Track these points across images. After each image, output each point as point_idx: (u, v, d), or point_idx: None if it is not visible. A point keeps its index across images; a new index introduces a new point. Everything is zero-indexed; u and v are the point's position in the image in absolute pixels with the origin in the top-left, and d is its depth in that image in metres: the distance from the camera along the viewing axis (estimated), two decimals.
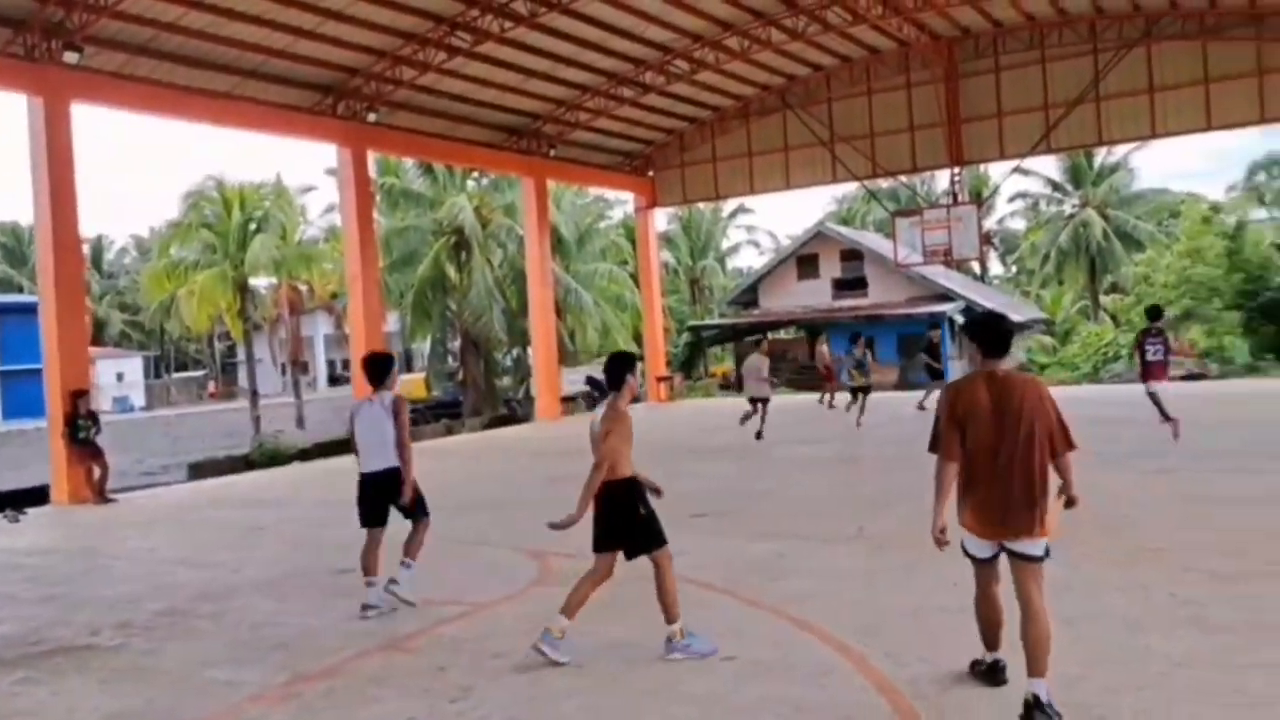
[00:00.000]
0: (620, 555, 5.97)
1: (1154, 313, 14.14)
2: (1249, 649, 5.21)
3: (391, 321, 39.69)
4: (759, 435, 16.35)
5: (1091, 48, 22.58)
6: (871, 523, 9.21)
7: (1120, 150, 45.33)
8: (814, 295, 38.86)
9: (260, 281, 40.15)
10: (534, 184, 24.31)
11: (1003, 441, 4.63)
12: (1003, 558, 4.79)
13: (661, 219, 55.78)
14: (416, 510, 7.44)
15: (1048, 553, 4.70)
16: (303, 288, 39.22)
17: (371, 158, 33.25)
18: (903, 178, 32.30)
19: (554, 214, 34.18)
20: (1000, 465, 4.63)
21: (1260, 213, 40.16)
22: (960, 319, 34.99)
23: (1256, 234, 36.64)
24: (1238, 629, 5.53)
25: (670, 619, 5.79)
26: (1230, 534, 7.83)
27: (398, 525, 7.42)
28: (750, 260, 56.54)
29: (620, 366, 6.01)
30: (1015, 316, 37.65)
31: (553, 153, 24.42)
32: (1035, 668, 4.47)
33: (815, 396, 24.24)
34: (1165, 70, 22.01)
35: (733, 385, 38.79)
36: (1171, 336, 20.03)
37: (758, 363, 17.19)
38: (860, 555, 8.01)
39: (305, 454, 22.88)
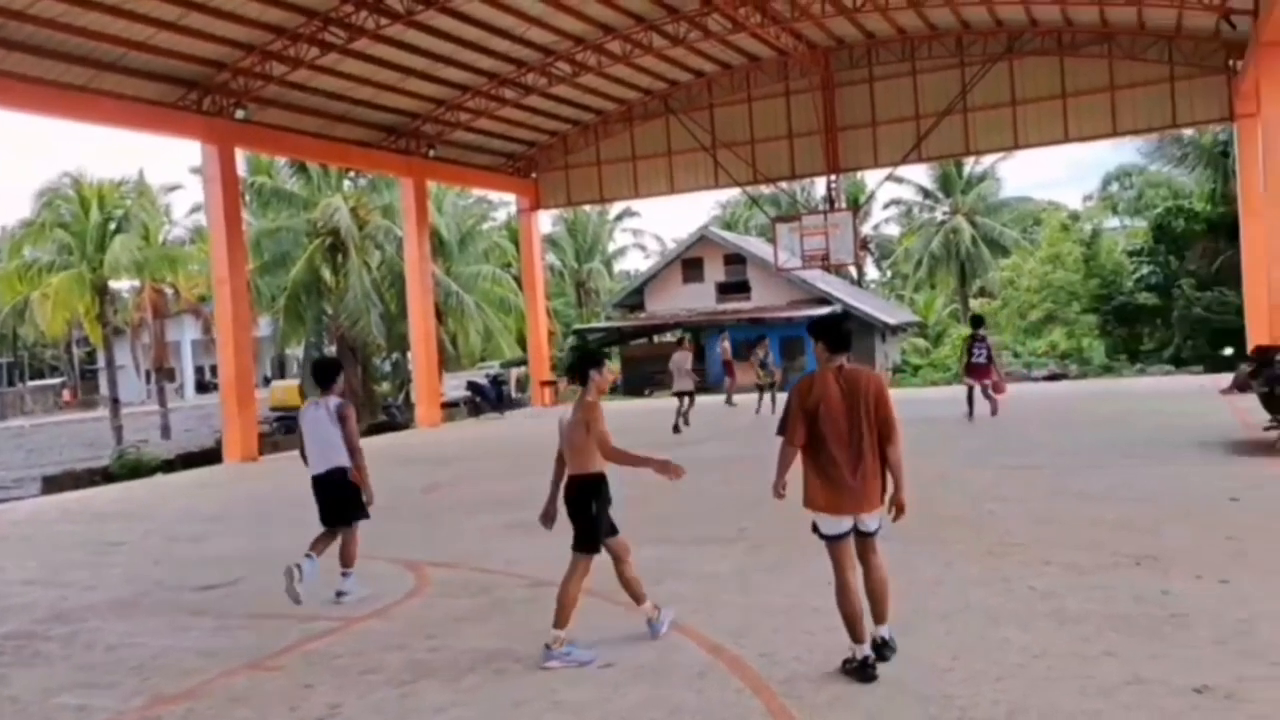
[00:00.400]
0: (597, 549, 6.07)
1: (977, 321, 15.68)
2: (1100, 637, 5.43)
3: (264, 325, 38.41)
4: (676, 429, 17.60)
5: (959, 61, 23.48)
6: (752, 523, 9.30)
7: (987, 160, 47.32)
8: (699, 298, 39.27)
9: (122, 284, 38.29)
10: (413, 184, 23.85)
11: (853, 427, 5.12)
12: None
13: (546, 221, 55.67)
14: (356, 510, 7.70)
15: (880, 527, 5.35)
16: (168, 290, 37.54)
17: (241, 156, 32.26)
18: (783, 184, 33.00)
19: (434, 215, 33.66)
20: (853, 448, 5.12)
21: (1113, 221, 42.46)
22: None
23: (1110, 242, 38.73)
24: (1091, 619, 5.77)
25: (639, 600, 6.14)
26: (1085, 527, 8.18)
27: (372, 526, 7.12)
28: (637, 263, 56.79)
29: (585, 363, 5.98)
30: (889, 319, 38.84)
31: (432, 153, 24.01)
32: (880, 616, 5.30)
33: (711, 397, 24.57)
34: (1026, 84, 23.05)
35: (618, 389, 38.91)
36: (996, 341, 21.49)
37: (682, 359, 18.59)
38: (738, 556, 8.08)
39: (169, 465, 21.88)
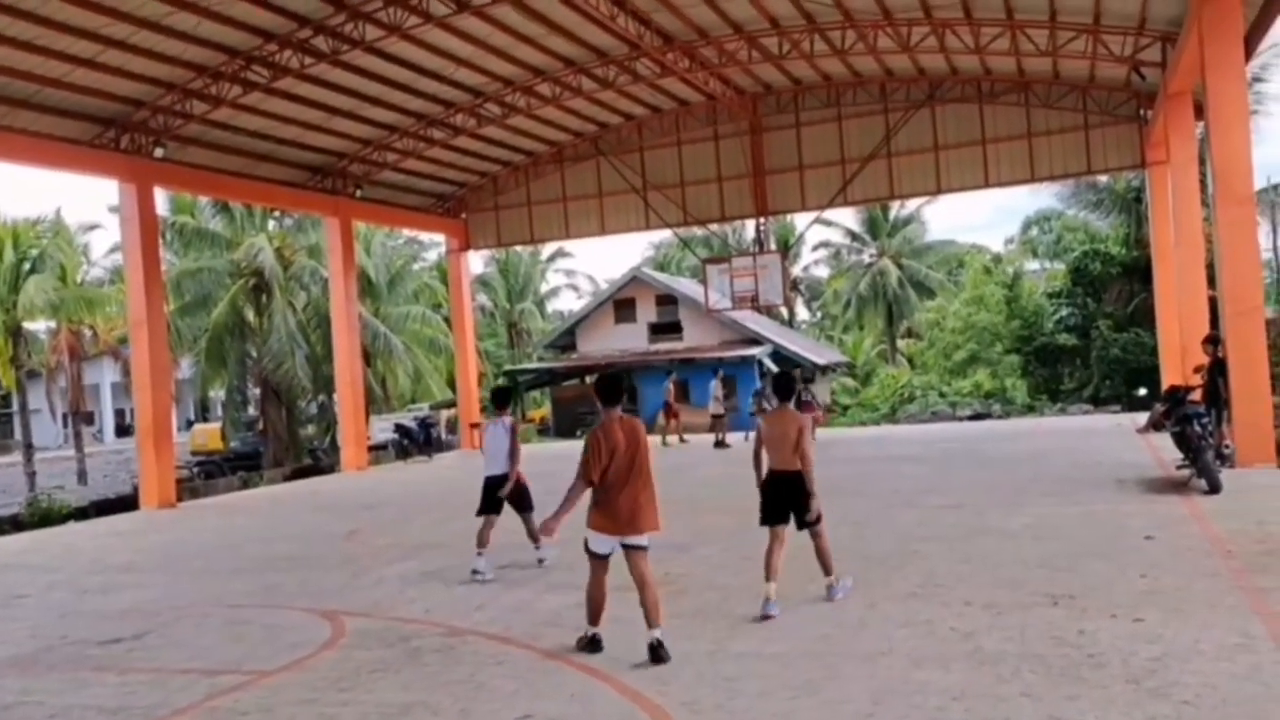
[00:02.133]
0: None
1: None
2: (1018, 678, 5.44)
3: (185, 368, 37.44)
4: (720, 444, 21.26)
5: (883, 107, 24.02)
6: (675, 566, 9.20)
7: (913, 204, 48.44)
8: (631, 339, 39.30)
9: (38, 326, 37.08)
10: (339, 224, 23.52)
11: (633, 464, 6.36)
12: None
13: (478, 262, 55.48)
14: (525, 504, 9.75)
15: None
16: (86, 332, 36.44)
17: (164, 196, 31.60)
18: (714, 226, 33.30)
19: (363, 256, 33.28)
20: (633, 481, 6.36)
21: (1034, 264, 43.65)
22: (769, 362, 36.17)
23: (1031, 284, 39.78)
24: (1009, 659, 5.78)
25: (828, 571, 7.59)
26: (1005, 566, 8.25)
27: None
28: (570, 304, 56.66)
29: (789, 383, 7.83)
30: (819, 359, 39.28)
31: (359, 193, 23.73)
32: (653, 621, 6.36)
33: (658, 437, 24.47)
34: (948, 130, 23.65)
35: (549, 430, 38.64)
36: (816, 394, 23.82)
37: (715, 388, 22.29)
38: (663, 601, 7.94)
39: (82, 512, 21.04)
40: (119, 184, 18.63)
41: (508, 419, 9.89)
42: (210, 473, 29.63)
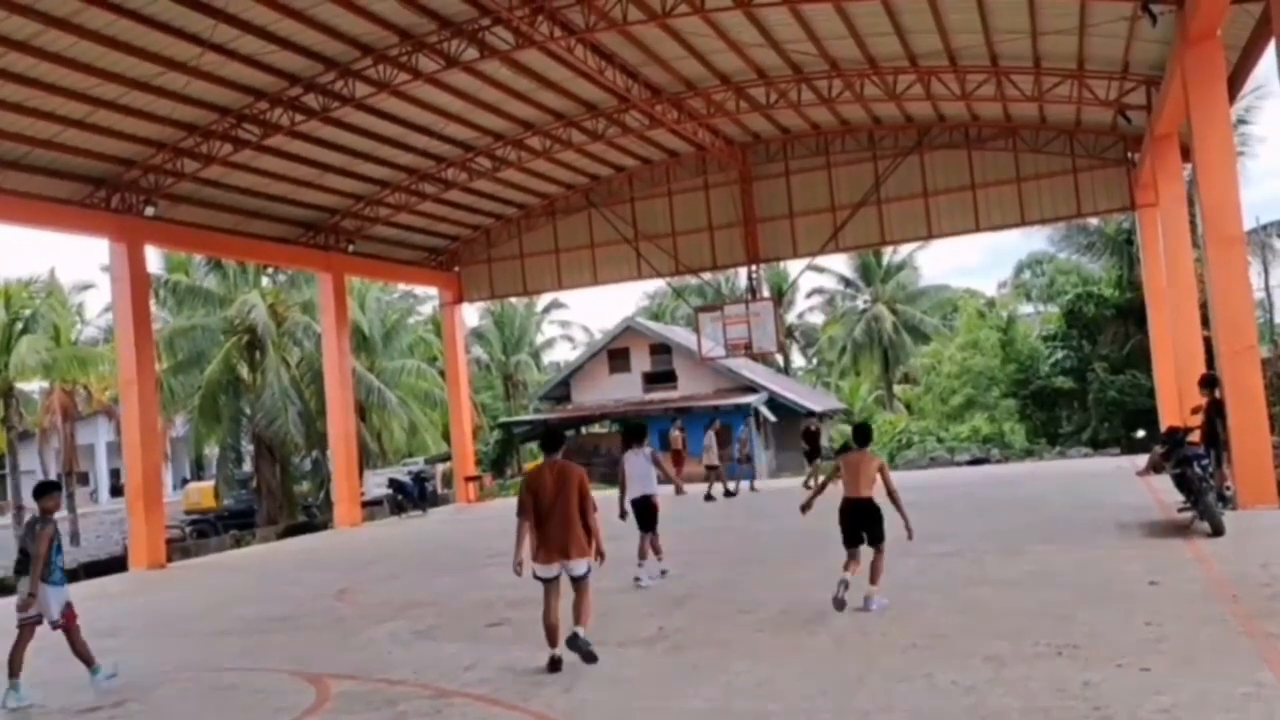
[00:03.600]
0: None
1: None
2: None
3: (180, 425, 37.19)
4: (729, 493, 21.19)
5: (872, 155, 24.16)
6: (670, 621, 9.01)
7: (905, 249, 48.59)
8: (625, 389, 39.18)
9: (31, 386, 36.89)
10: (332, 280, 23.50)
11: (557, 502, 7.53)
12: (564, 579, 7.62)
13: (474, 315, 55.52)
14: (649, 524, 11.39)
15: (589, 571, 7.69)
16: (80, 392, 36.24)
17: (158, 254, 31.63)
18: (707, 275, 33.33)
19: (356, 311, 33.27)
20: (558, 517, 7.52)
21: (1027, 307, 43.71)
22: (764, 409, 36.03)
23: (1025, 327, 39.80)
24: (1012, 714, 5.60)
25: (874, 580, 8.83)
26: (1006, 616, 8.06)
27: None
28: (565, 355, 56.54)
29: (866, 431, 9.44)
30: (815, 406, 39.16)
31: (352, 248, 23.76)
32: (579, 621, 7.60)
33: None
34: (937, 176, 23.75)
35: None
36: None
37: (710, 439, 21.71)
38: (656, 657, 7.76)
39: (71, 574, 20.61)
40: (109, 243, 18.62)
41: (647, 449, 11.67)
42: (203, 531, 29.31)
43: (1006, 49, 18.17)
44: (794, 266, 40.98)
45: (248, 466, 32.51)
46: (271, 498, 29.46)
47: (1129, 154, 21.94)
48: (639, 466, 11.45)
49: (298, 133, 18.54)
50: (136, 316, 18.50)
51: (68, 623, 8.29)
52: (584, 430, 41.75)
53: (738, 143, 24.49)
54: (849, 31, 17.71)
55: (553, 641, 7.53)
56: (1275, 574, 8.67)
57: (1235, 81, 14.57)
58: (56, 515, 8.78)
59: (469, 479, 27.19)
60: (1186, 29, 12.82)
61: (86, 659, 8.37)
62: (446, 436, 31.82)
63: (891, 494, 8.79)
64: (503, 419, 43.83)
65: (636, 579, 10.98)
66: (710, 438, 22.23)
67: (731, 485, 22.11)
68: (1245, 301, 12.73)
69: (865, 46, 18.48)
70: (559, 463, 7.74)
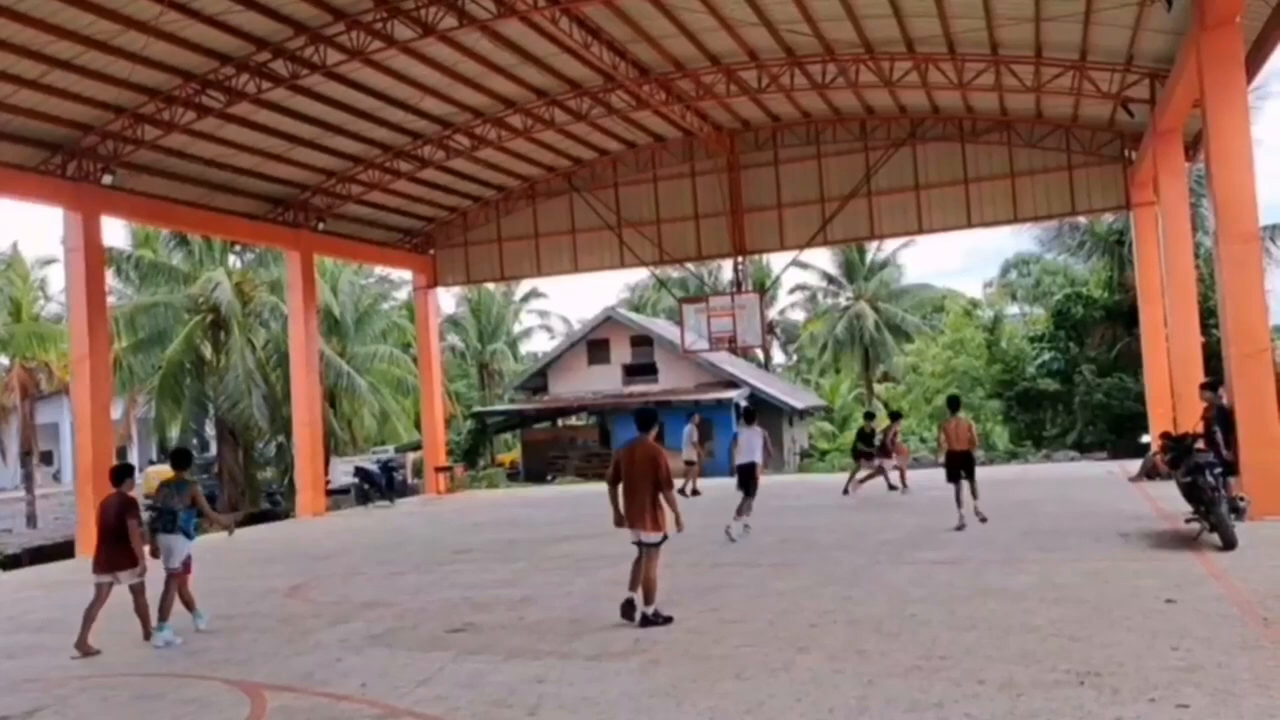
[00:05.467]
0: None
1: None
2: None
3: (146, 407, 36.02)
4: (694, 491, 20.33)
5: (863, 146, 23.50)
6: (646, 631, 8.26)
7: (889, 247, 48.06)
8: (605, 381, 38.37)
9: None
10: (300, 258, 22.57)
11: (634, 478, 8.46)
12: None
13: (450, 301, 54.52)
14: (752, 490, 13.79)
15: (660, 541, 8.47)
16: (41, 369, 35.03)
17: (126, 229, 30.54)
18: (691, 266, 32.58)
19: (327, 294, 32.29)
20: (633, 491, 8.45)
21: (1013, 308, 43.20)
22: (744, 404, 35.30)
23: (1011, 328, 39.27)
24: None
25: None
26: (1015, 635, 7.36)
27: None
28: (543, 345, 55.55)
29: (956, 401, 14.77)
30: (796, 403, 38.53)
31: (321, 226, 22.83)
32: (632, 586, 8.49)
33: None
34: (930, 170, 23.13)
35: (519, 474, 37.53)
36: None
37: (690, 431, 21.51)
38: (631, 675, 7.00)
39: (15, 560, 19.73)
40: (64, 212, 17.67)
41: (760, 430, 14.32)
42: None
43: (1008, 36, 17.53)
44: (777, 262, 40.30)
45: (211, 451, 31.46)
46: (234, 484, 28.44)
47: (1126, 151, 21.40)
48: (751, 441, 14.00)
49: (265, 101, 17.66)
50: (90, 290, 17.57)
51: (182, 572, 9.49)
52: (560, 422, 40.97)
53: (726, 129, 23.76)
54: (846, 13, 17.00)
55: (631, 587, 8.52)
56: None
57: (1248, 72, 13.92)
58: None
59: (439, 469, 26.35)
60: (1204, 14, 12.19)
61: (188, 604, 9.52)
62: (419, 425, 30.98)
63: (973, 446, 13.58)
64: (477, 409, 42.91)
65: (727, 529, 13.37)
66: (692, 432, 21.51)
67: (694, 486, 21.32)
68: (1258, 302, 12.09)
69: (862, 29, 17.79)
70: (645, 443, 8.61)
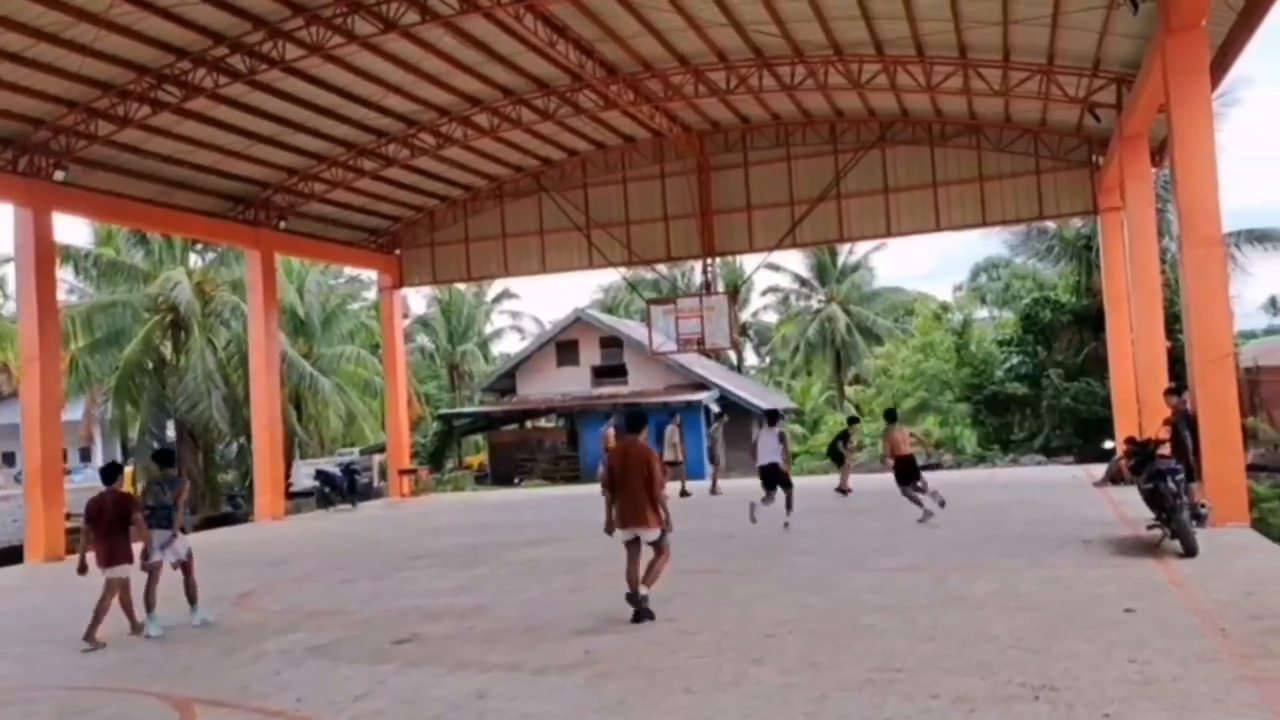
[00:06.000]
0: None
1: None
2: None
3: (109, 408, 35.31)
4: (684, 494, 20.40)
5: (833, 148, 23.42)
6: (599, 642, 8.04)
7: (860, 250, 48.18)
8: (574, 382, 38.09)
9: None
10: (260, 257, 22.14)
11: (627, 478, 8.70)
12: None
13: (420, 302, 54.07)
14: (787, 482, 14.52)
15: (661, 537, 8.75)
16: (1, 370, 34.31)
17: (89, 227, 29.91)
18: (662, 268, 32.38)
19: (292, 293, 31.83)
20: (627, 491, 8.70)
21: (983, 312, 43.32)
22: (715, 407, 35.16)
23: (980, 332, 39.36)
24: None
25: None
26: (972, 645, 7.20)
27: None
28: (514, 346, 55.18)
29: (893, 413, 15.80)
30: (766, 405, 38.35)
31: (283, 225, 22.42)
32: (648, 582, 8.67)
33: (586, 488, 23.76)
34: (899, 173, 23.07)
35: (487, 476, 37.18)
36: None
37: (672, 432, 21.37)
38: (577, 689, 6.77)
39: None
40: (14, 208, 17.22)
41: (778, 429, 15.04)
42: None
43: (976, 39, 17.47)
44: (750, 264, 40.24)
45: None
46: (193, 486, 27.88)
47: (1093, 157, 21.42)
48: (769, 443, 14.71)
49: (223, 97, 17.29)
50: (41, 290, 17.12)
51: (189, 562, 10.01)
52: (529, 424, 40.67)
53: (696, 130, 23.59)
54: (815, 14, 16.87)
55: (632, 587, 8.61)
56: (1262, 603, 7.90)
57: (1212, 77, 13.89)
58: None
59: (404, 472, 26.00)
60: (1169, 17, 12.11)
61: (150, 604, 9.63)
62: (386, 427, 30.57)
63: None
64: (443, 410, 42.51)
65: (786, 524, 14.24)
66: (673, 432, 21.35)
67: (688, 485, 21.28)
68: (1221, 308, 12.03)
69: (831, 31, 17.67)
70: (636, 444, 8.88)
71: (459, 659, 7.79)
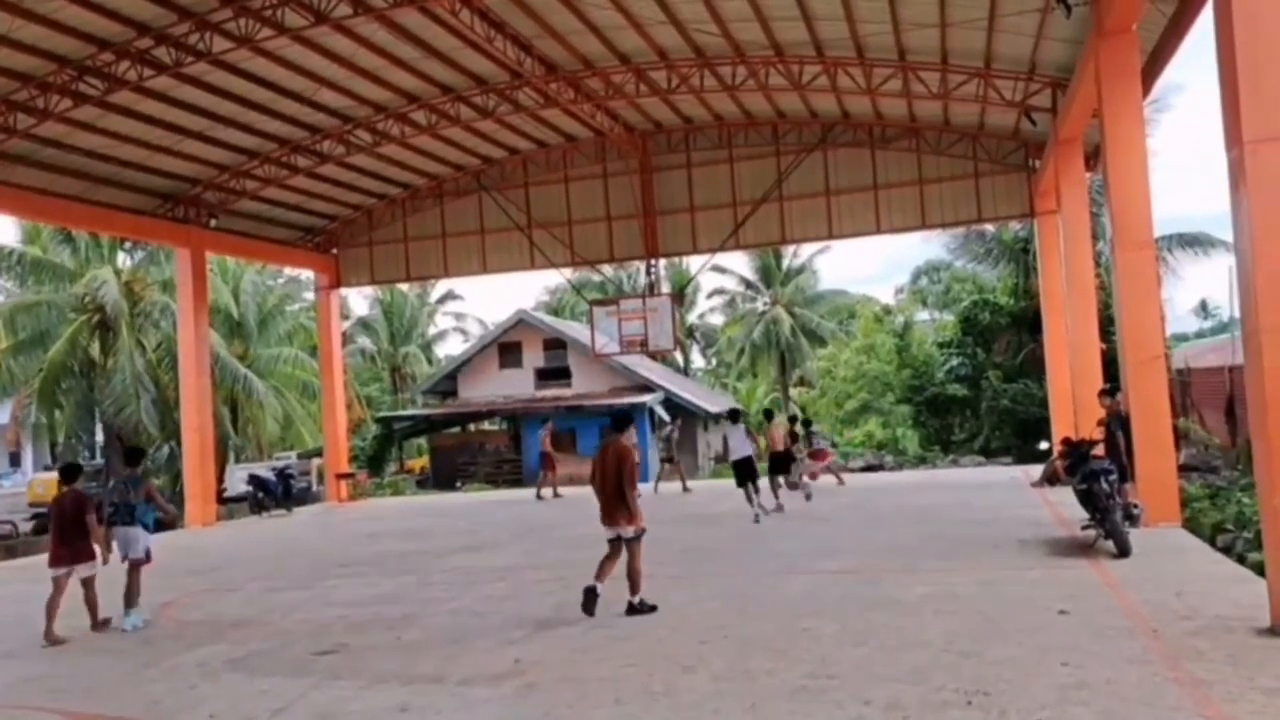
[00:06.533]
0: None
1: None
2: None
3: (35, 411, 34.18)
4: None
5: (775, 150, 23.40)
6: (528, 651, 7.82)
7: (805, 253, 48.41)
8: (516, 384, 37.75)
9: None
10: (190, 256, 21.50)
11: (606, 477, 8.86)
12: None
13: (362, 303, 53.24)
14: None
15: (636, 536, 8.84)
16: None
17: (17, 224, 28.93)
18: (608, 270, 32.16)
19: (227, 294, 31.11)
20: (605, 490, 8.88)
21: (924, 314, 43.82)
22: (660, 409, 35.09)
23: (921, 334, 39.78)
24: None
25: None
26: (907, 649, 7.12)
27: None
28: (458, 348, 54.55)
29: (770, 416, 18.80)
30: (711, 407, 38.42)
31: (215, 223, 21.83)
32: (633, 590, 8.86)
33: (529, 491, 23.81)
34: (840, 176, 23.12)
35: (428, 481, 36.68)
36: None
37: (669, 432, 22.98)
38: (503, 701, 6.55)
39: None
40: None
41: (743, 426, 16.10)
42: (44, 528, 26.76)
43: (915, 42, 17.53)
44: (696, 265, 40.23)
45: (99, 458, 29.98)
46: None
47: (1030, 161, 21.65)
48: (739, 439, 15.77)
49: (149, 90, 16.74)
50: None
51: (145, 562, 10.28)
52: (471, 427, 40.23)
53: (638, 130, 23.43)
54: (755, 14, 16.80)
55: (597, 578, 8.87)
56: (1192, 605, 7.93)
57: (1144, 83, 14.07)
58: None
59: (341, 476, 25.48)
60: (1101, 21, 12.22)
61: (130, 600, 9.99)
62: (323, 430, 29.96)
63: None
64: (383, 413, 41.86)
65: (763, 514, 15.20)
66: (674, 432, 22.88)
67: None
68: (1152, 310, 12.19)
69: (771, 31, 17.62)
70: (616, 443, 9.00)
71: (382, 671, 7.52)
